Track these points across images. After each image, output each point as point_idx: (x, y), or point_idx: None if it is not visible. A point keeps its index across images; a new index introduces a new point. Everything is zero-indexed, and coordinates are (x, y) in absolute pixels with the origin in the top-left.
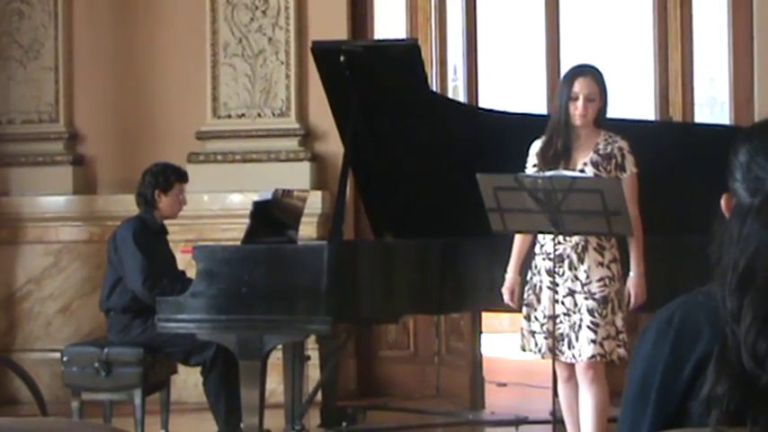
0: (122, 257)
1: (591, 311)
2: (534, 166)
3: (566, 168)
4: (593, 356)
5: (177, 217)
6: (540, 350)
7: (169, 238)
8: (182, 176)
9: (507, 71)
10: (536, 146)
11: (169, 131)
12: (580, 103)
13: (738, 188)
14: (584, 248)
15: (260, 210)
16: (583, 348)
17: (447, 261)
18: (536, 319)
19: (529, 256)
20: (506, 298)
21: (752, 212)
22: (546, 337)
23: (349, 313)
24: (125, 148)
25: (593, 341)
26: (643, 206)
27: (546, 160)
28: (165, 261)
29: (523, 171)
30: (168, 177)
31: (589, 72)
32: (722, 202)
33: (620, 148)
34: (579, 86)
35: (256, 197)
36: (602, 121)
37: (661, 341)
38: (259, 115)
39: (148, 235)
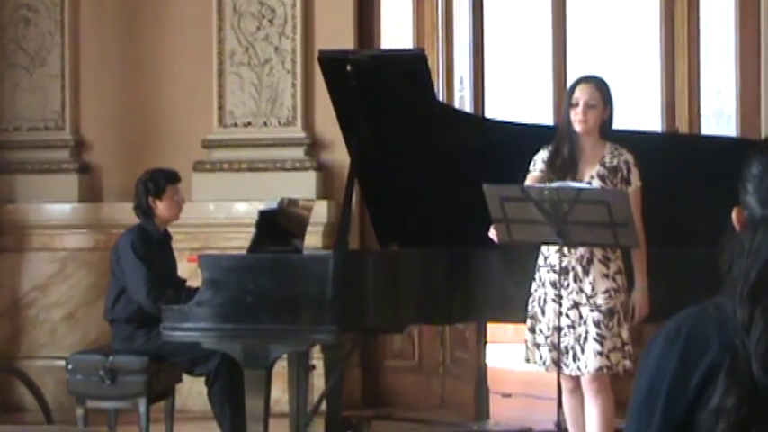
0: (124, 268)
1: (597, 323)
2: (541, 171)
3: (573, 181)
4: (599, 368)
5: (179, 218)
6: (544, 363)
7: (174, 246)
8: (172, 178)
9: (514, 82)
10: (542, 153)
11: (175, 140)
12: (580, 108)
13: (750, 200)
14: (590, 260)
15: (265, 219)
16: (589, 360)
17: (453, 271)
18: (540, 331)
19: (533, 267)
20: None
21: (763, 223)
22: (550, 350)
23: (354, 323)
24: (131, 156)
25: (600, 353)
26: (648, 218)
27: (554, 169)
28: (167, 270)
29: (526, 176)
30: (158, 182)
31: (591, 80)
32: (733, 215)
33: (626, 162)
34: (579, 93)
35: (262, 206)
36: (607, 133)
37: (669, 351)
38: (265, 124)
39: (149, 244)
